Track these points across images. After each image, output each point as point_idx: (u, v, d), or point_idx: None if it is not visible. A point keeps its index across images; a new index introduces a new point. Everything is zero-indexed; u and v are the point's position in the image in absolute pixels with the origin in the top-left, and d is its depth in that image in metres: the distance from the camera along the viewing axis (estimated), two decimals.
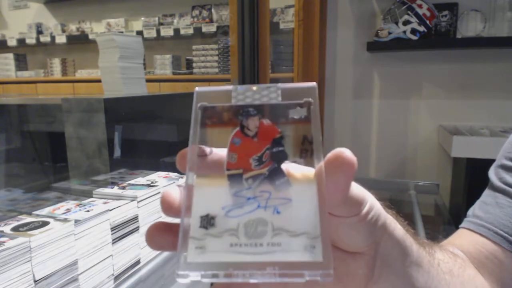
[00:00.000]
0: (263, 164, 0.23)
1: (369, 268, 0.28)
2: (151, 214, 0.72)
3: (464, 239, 0.47)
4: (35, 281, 0.49)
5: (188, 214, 0.21)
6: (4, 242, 0.46)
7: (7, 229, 0.51)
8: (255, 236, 0.20)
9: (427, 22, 1.90)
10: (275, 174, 0.22)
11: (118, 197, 0.68)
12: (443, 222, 1.10)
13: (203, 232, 0.21)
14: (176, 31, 2.94)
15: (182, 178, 0.82)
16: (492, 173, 0.52)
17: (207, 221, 0.21)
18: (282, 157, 0.23)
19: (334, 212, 0.24)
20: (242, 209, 0.21)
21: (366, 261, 0.28)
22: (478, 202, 0.51)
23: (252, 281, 0.20)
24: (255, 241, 0.20)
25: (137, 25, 3.28)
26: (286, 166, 0.23)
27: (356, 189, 0.24)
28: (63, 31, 3.52)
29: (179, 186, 0.24)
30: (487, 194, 0.51)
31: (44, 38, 3.44)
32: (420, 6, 1.91)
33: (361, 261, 0.27)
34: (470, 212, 0.51)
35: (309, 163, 0.23)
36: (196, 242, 0.21)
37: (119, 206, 0.64)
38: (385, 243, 0.28)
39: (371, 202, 0.26)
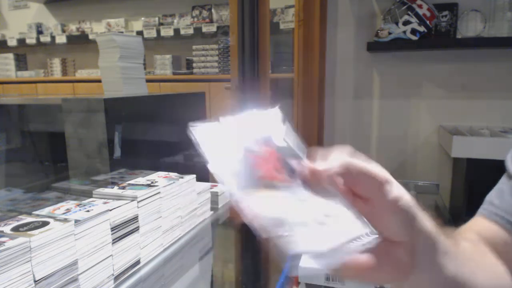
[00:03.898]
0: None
1: (410, 256, 0.32)
2: (151, 214, 0.72)
3: (480, 225, 0.49)
4: (35, 281, 0.49)
5: None
6: (4, 242, 0.46)
7: (7, 229, 0.51)
8: None
9: (427, 22, 1.90)
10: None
11: (118, 197, 0.68)
12: (443, 222, 1.10)
13: None
14: (176, 31, 2.94)
15: (181, 178, 0.82)
16: (509, 161, 0.54)
17: None
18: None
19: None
20: None
21: (407, 250, 0.31)
22: (495, 189, 0.53)
23: None
24: None
25: (137, 25, 3.28)
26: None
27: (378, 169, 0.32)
28: (63, 31, 3.52)
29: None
30: (503, 182, 0.52)
31: (44, 38, 3.44)
32: (420, 6, 1.91)
33: (402, 249, 0.31)
34: (487, 198, 0.53)
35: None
36: None
37: (119, 206, 0.64)
38: (419, 233, 0.32)
39: (399, 192, 0.31)
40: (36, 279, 0.49)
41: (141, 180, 0.79)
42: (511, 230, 0.46)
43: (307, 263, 0.60)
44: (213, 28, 2.80)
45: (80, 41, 3.38)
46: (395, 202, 0.30)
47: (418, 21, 1.91)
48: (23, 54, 3.70)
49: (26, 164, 1.10)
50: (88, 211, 0.59)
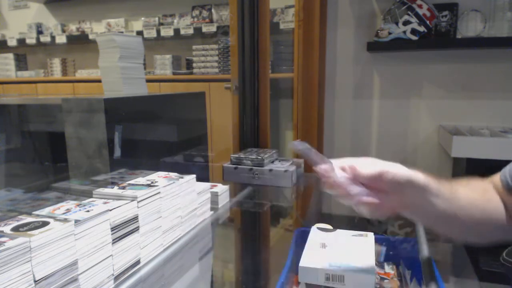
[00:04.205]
0: None
1: (400, 200, 0.54)
2: (151, 214, 0.72)
3: (495, 178, 0.65)
4: (35, 281, 0.49)
5: None
6: (4, 242, 0.46)
7: (7, 229, 0.51)
8: None
9: (427, 22, 1.90)
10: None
11: (118, 197, 0.68)
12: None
13: None
14: (176, 31, 2.94)
15: (181, 178, 0.82)
16: None
17: None
18: None
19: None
20: None
21: (397, 197, 0.54)
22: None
23: None
24: None
25: (137, 25, 3.28)
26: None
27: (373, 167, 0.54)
28: (63, 31, 3.52)
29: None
30: None
31: (44, 38, 3.44)
32: (420, 6, 1.91)
33: (394, 196, 0.54)
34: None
35: None
36: None
37: (119, 206, 0.64)
38: (408, 187, 0.53)
39: (388, 171, 0.53)
40: (36, 279, 0.49)
41: (141, 180, 0.79)
42: (504, 184, 0.62)
43: (307, 263, 0.60)
44: (213, 28, 2.80)
45: (80, 41, 3.38)
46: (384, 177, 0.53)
47: (418, 21, 1.91)
48: (23, 54, 3.70)
49: (26, 164, 1.10)
50: (88, 211, 0.59)
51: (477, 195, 0.61)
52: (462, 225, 0.59)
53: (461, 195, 0.59)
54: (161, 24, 3.13)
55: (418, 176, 0.54)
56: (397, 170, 0.54)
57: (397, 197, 0.54)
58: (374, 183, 0.54)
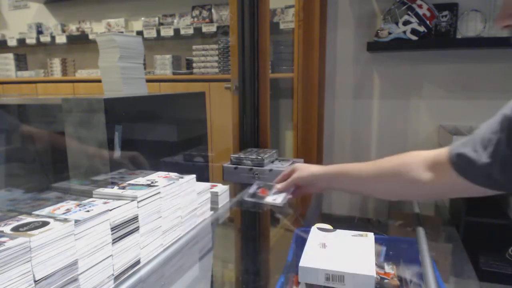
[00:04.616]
0: None
1: (315, 188, 0.97)
2: (151, 214, 0.72)
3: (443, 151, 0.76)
4: (35, 281, 0.49)
5: None
6: (4, 242, 0.46)
7: (7, 229, 0.51)
8: None
9: (427, 22, 1.90)
10: None
11: (118, 197, 0.68)
12: (443, 222, 1.10)
13: None
14: (176, 31, 2.94)
15: (181, 178, 0.82)
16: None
17: None
18: None
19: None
20: None
21: (313, 188, 0.96)
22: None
23: None
24: None
25: (137, 25, 3.28)
26: None
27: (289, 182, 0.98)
28: (63, 31, 3.52)
29: None
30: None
31: (44, 38, 3.44)
32: (420, 6, 1.91)
33: (311, 187, 0.96)
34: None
35: None
36: None
37: (119, 206, 0.64)
38: (315, 182, 0.94)
39: (298, 177, 0.96)
40: (36, 279, 0.49)
41: (141, 180, 0.79)
42: (449, 160, 0.72)
43: (307, 263, 0.60)
44: (213, 28, 2.80)
45: (80, 41, 3.38)
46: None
47: (418, 21, 1.91)
48: (23, 54, 3.70)
49: (26, 164, 1.10)
50: (88, 211, 0.59)
51: (378, 174, 0.81)
52: (370, 194, 0.91)
53: (363, 174, 0.83)
54: (161, 24, 3.13)
55: (322, 171, 0.91)
56: (303, 173, 0.94)
57: (313, 187, 0.96)
58: (298, 183, 0.97)
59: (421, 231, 0.81)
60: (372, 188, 0.84)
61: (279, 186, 0.99)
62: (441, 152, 0.74)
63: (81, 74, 3.44)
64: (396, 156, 0.81)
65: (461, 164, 0.69)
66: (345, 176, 0.87)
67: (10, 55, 3.60)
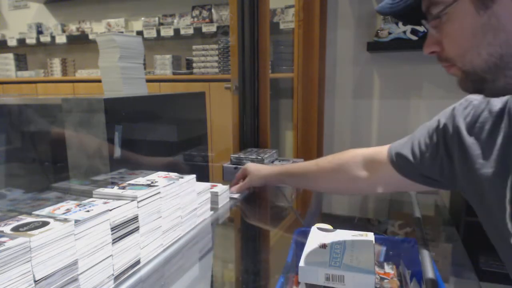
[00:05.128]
0: None
1: (270, 184, 1.12)
2: (151, 214, 0.72)
3: (383, 149, 0.80)
4: (35, 281, 0.49)
5: None
6: (4, 242, 0.46)
7: (7, 229, 0.51)
8: None
9: None
10: None
11: (118, 197, 0.68)
12: (443, 222, 1.10)
13: None
14: (176, 31, 2.94)
15: (181, 178, 0.82)
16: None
17: None
18: None
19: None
20: None
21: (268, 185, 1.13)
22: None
23: None
24: None
25: (137, 25, 3.28)
26: None
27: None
28: (63, 31, 3.52)
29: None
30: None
31: (44, 38, 3.44)
32: None
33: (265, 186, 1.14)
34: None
35: None
36: None
37: (119, 206, 0.64)
38: (267, 181, 1.10)
39: (251, 181, 1.12)
40: (36, 279, 0.49)
41: (141, 180, 0.79)
42: (389, 159, 0.77)
43: (307, 263, 0.60)
44: (213, 28, 2.80)
45: (80, 41, 3.38)
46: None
47: None
48: (23, 54, 3.70)
49: (26, 164, 1.10)
50: (88, 211, 0.59)
51: (320, 173, 0.90)
52: (314, 190, 1.14)
53: (308, 175, 0.94)
54: (161, 24, 3.13)
55: (272, 173, 1.06)
56: (254, 178, 1.10)
57: (265, 186, 1.12)
58: (251, 186, 1.13)
59: (421, 231, 0.81)
60: (316, 185, 0.98)
61: (234, 189, 1.13)
62: (381, 151, 0.79)
63: (81, 74, 3.44)
64: (336, 155, 0.89)
65: (400, 163, 0.74)
66: (292, 176, 1.01)
67: (10, 55, 3.60)
